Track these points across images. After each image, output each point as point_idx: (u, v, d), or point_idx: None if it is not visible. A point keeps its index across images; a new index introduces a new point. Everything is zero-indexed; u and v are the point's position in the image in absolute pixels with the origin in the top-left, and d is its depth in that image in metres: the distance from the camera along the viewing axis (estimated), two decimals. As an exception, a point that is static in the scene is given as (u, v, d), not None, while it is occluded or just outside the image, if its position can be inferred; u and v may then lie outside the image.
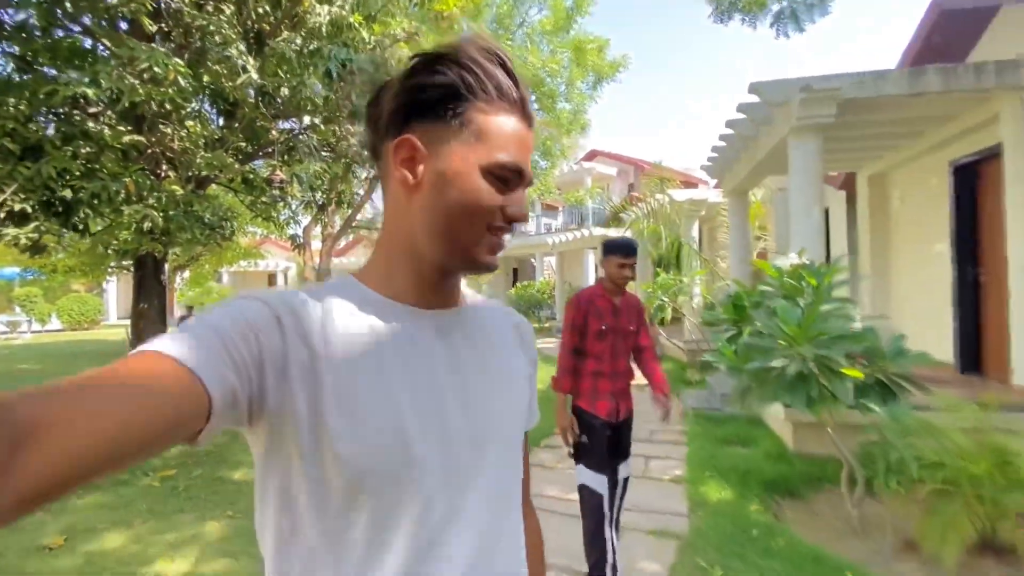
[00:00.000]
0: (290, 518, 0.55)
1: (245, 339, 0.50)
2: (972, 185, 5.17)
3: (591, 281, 16.10)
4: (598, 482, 2.25)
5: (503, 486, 0.65)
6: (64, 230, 4.40)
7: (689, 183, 14.23)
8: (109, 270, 9.05)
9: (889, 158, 6.27)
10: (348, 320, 0.57)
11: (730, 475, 3.71)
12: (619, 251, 2.39)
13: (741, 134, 5.42)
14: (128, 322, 20.00)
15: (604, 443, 2.33)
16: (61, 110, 4.41)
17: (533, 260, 22.58)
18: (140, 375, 0.43)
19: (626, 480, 2.47)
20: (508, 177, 0.59)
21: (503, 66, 0.58)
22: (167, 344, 0.46)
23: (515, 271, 26.28)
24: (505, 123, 0.58)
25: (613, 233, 13.28)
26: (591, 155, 21.65)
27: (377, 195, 9.65)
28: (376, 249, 0.65)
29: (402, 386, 0.57)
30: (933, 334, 5.72)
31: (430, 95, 0.57)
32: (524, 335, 0.75)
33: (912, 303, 6.30)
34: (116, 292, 25.11)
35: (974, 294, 5.18)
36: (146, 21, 4.29)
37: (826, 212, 8.56)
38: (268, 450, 0.55)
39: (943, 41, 5.53)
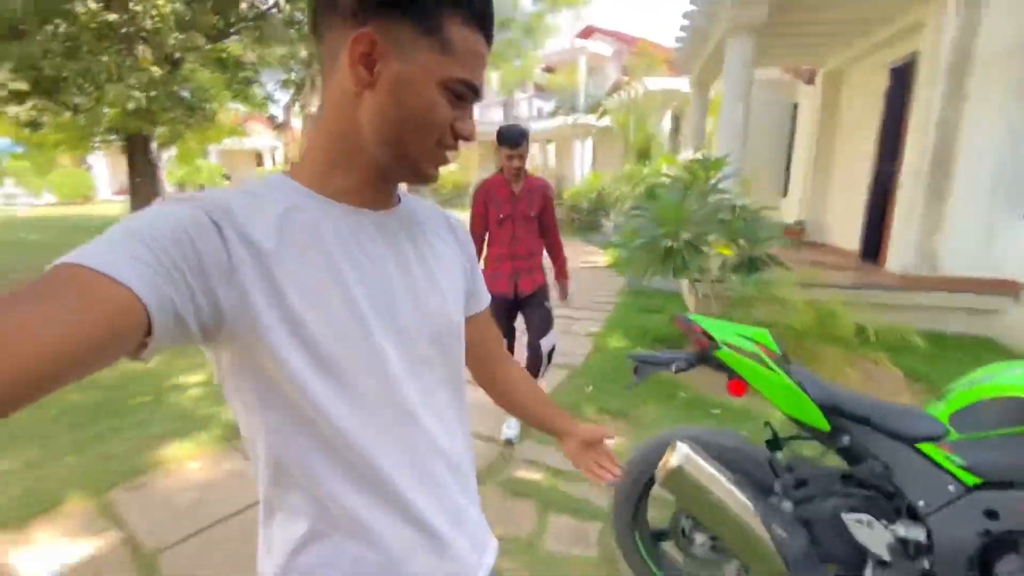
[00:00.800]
0: (276, 415, 0.56)
1: (179, 245, 0.46)
2: (903, 86, 5.52)
3: (584, 170, 16.18)
4: None
5: (455, 373, 0.70)
6: (58, 107, 4.82)
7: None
8: (95, 145, 9.30)
9: (842, 54, 6.46)
10: (292, 219, 0.55)
11: (632, 332, 4.64)
12: (506, 142, 2.53)
13: (695, 27, 5.59)
14: (121, 198, 20.29)
15: (501, 315, 2.68)
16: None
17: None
18: (67, 292, 0.39)
19: (550, 353, 2.78)
20: (464, 94, 0.58)
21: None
22: (89, 255, 0.42)
23: (505, 157, 26.02)
24: (471, 38, 0.56)
25: (602, 123, 13.24)
26: (587, 32, 20.45)
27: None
28: (312, 144, 0.61)
29: (355, 281, 0.57)
30: (850, 226, 6.45)
31: None
32: (458, 233, 0.77)
33: (841, 197, 6.92)
34: (105, 169, 25.03)
35: (886, 189, 5.78)
36: None
37: (795, 107, 8.78)
38: (239, 354, 0.54)
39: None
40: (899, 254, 4.79)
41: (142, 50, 5.19)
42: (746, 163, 9.20)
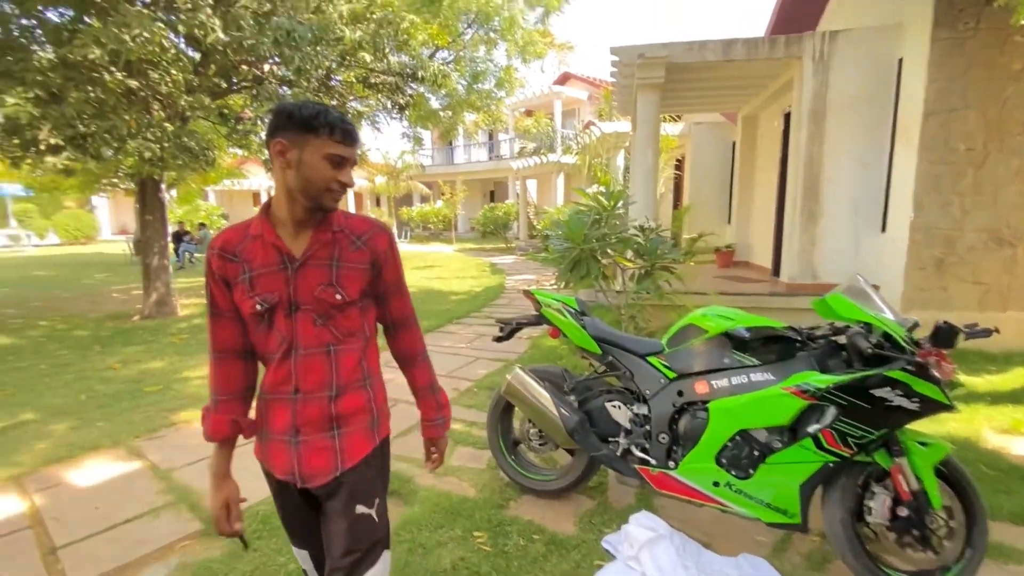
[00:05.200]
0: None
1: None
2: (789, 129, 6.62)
3: (560, 202, 17.37)
4: (301, 557, 1.33)
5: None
6: (86, 158, 5.81)
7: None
8: (105, 187, 10.25)
9: (751, 102, 7.61)
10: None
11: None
12: (329, 129, 1.10)
13: (619, 82, 6.70)
14: (122, 238, 21.06)
15: (292, 513, 1.27)
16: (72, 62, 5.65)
17: (509, 182, 23.75)
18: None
19: None
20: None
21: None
22: None
23: (492, 193, 27.42)
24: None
25: (571, 160, 14.45)
26: (563, 78, 22.08)
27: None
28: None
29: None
30: (766, 246, 7.44)
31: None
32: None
33: (759, 221, 7.95)
34: (107, 210, 26.15)
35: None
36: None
37: (733, 145, 9.94)
38: None
39: (795, 11, 6.78)
40: (788, 267, 5.74)
41: (157, 109, 6.25)
42: (694, 194, 10.33)
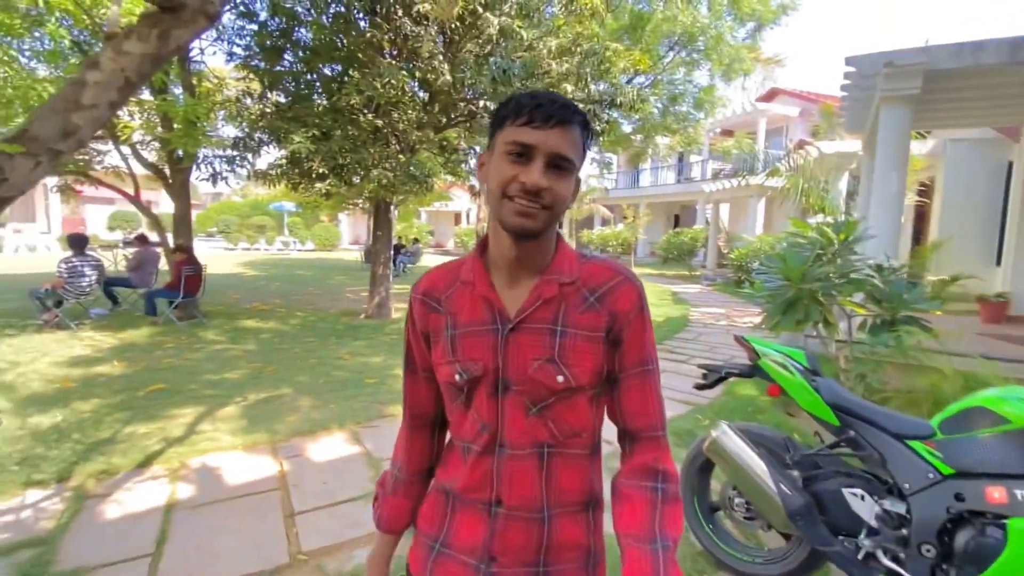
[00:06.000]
0: None
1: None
2: None
3: (759, 230, 15.70)
4: None
5: None
6: (342, 184, 7.15)
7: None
8: (349, 207, 12.50)
9: (1055, 111, 5.81)
10: None
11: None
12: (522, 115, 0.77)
13: (852, 96, 5.71)
14: (355, 247, 25.75)
15: None
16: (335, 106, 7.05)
17: (697, 207, 22.40)
18: None
19: None
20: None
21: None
22: None
23: (677, 217, 26.17)
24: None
25: (776, 183, 12.95)
26: (770, 95, 20.10)
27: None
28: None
29: None
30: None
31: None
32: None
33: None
34: (346, 226, 32.12)
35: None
36: (385, 42, 6.57)
37: (1009, 166, 7.83)
38: None
39: None
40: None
41: (394, 143, 7.37)
42: (946, 227, 8.34)
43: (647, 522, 0.79)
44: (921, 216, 9.62)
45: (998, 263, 7.88)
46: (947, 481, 1.68)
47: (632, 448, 0.87)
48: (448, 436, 0.96)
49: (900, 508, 1.76)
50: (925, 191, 9.65)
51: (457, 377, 0.82)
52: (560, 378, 0.80)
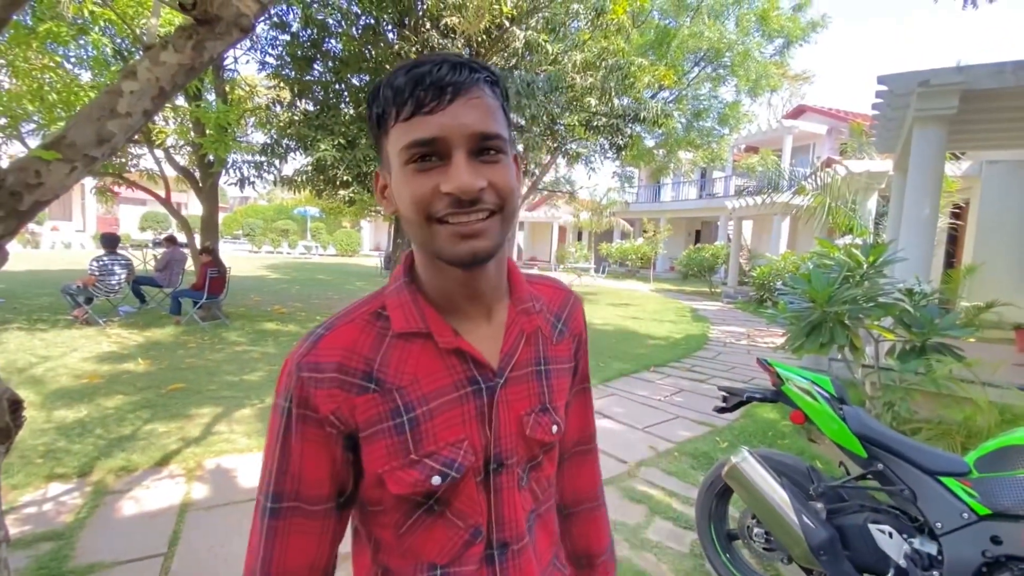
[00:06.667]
0: None
1: None
2: None
3: (782, 249, 15.41)
4: None
5: None
6: (364, 191, 7.26)
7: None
8: (370, 213, 12.67)
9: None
10: None
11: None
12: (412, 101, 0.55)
13: (884, 115, 5.59)
14: (375, 254, 26.30)
15: None
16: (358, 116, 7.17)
17: (719, 223, 22.15)
18: None
19: None
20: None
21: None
22: None
23: (697, 232, 25.89)
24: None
25: (802, 201, 12.74)
26: (797, 111, 19.80)
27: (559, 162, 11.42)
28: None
29: None
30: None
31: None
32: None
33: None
34: (368, 231, 32.57)
35: None
36: (413, 54, 6.68)
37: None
38: None
39: None
40: None
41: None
42: (980, 251, 8.07)
43: (610, 536, 0.82)
44: (954, 240, 9.33)
45: (1039, 290, 7.58)
46: (983, 522, 1.60)
47: (573, 459, 0.80)
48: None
49: (931, 548, 1.68)
50: (959, 214, 9.35)
51: (435, 480, 0.57)
52: (554, 428, 0.65)
